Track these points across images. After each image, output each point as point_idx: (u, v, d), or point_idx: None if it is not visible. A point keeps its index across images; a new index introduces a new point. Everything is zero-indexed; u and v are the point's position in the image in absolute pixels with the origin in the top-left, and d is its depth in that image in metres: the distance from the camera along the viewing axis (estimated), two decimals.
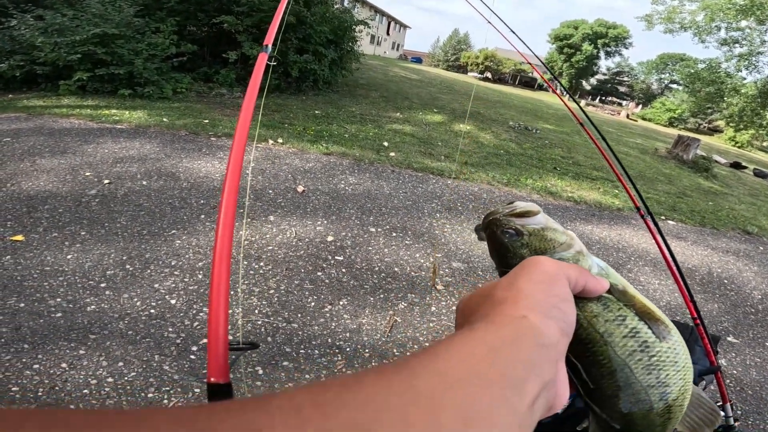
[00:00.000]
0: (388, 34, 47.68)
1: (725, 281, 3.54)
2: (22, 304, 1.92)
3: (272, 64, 1.11)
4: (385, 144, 5.39)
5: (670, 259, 1.57)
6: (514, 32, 2.15)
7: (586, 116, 1.88)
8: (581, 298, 0.32)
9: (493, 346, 0.23)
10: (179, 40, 7.15)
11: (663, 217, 4.80)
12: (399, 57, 47.69)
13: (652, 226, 1.58)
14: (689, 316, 1.55)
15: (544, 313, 0.27)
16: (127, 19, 6.35)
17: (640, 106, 44.95)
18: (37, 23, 5.95)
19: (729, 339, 2.73)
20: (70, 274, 2.15)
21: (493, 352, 0.23)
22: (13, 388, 1.53)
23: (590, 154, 7.45)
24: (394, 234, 3.13)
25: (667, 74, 44.22)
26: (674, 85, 42.82)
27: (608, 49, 46.94)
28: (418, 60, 49.93)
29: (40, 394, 1.52)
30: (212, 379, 0.56)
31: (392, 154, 5.01)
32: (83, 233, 2.53)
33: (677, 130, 26.42)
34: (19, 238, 2.38)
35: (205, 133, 4.66)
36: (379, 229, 3.16)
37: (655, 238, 1.60)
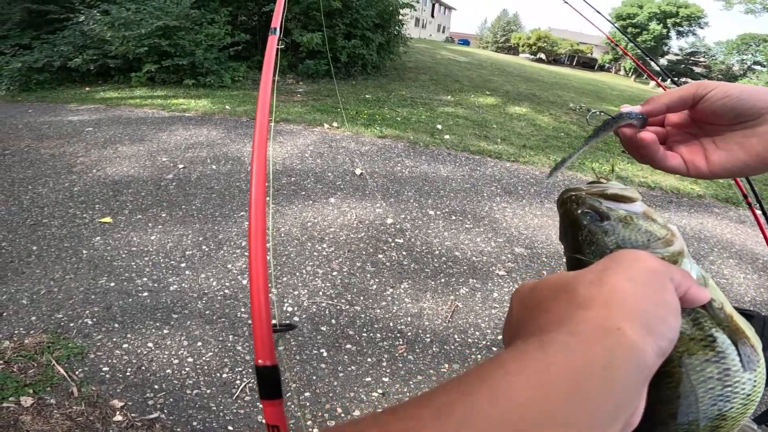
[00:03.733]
0: (432, 16, 46.25)
1: None
2: (113, 284, 2.06)
3: (281, 47, 1.10)
4: (439, 127, 5.24)
5: None
6: (591, 6, 1.95)
7: None
8: None
9: (579, 374, 0.18)
10: (233, 29, 7.34)
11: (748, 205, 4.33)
12: (445, 39, 46.17)
13: (760, 216, 1.39)
14: None
15: (646, 327, 0.21)
16: (185, 11, 6.57)
17: None
18: (104, 18, 6.26)
19: None
20: (154, 254, 2.28)
21: (579, 383, 0.17)
22: (104, 368, 1.62)
23: None
24: (454, 217, 3.04)
25: (750, 55, 39.98)
26: (758, 67, 38.59)
27: (680, 29, 42.77)
28: (465, 42, 48.13)
29: (128, 374, 1.60)
30: (260, 362, 0.58)
31: (447, 136, 4.86)
32: (164, 215, 2.67)
33: None
34: (108, 220, 2.55)
35: None
36: (438, 212, 3.09)
37: (762, 231, 1.41)
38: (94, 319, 1.84)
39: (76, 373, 1.59)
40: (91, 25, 6.22)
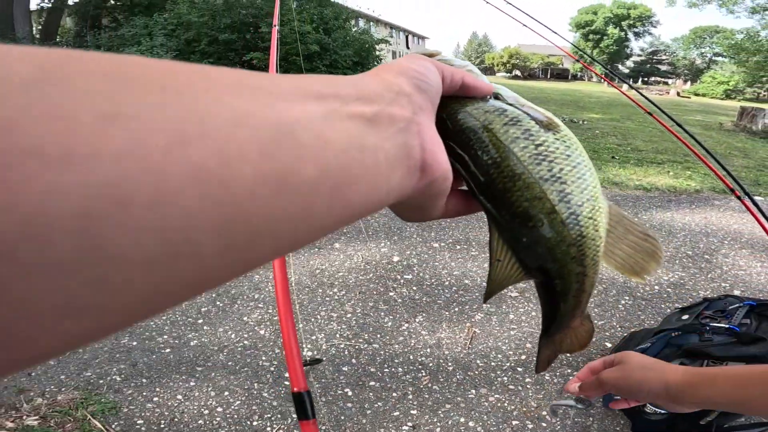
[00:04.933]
0: (407, 47, 48.27)
1: None
2: (135, 343, 2.18)
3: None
4: None
5: None
6: (542, 23, 2.20)
7: (656, 106, 1.89)
8: (463, 98, 0.29)
9: (319, 79, 0.19)
10: None
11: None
12: None
13: (752, 207, 1.53)
14: None
15: (397, 71, 0.24)
16: None
17: (689, 82, 42.79)
18: None
19: None
20: (171, 313, 2.41)
21: (317, 79, 0.19)
22: (139, 421, 1.72)
23: (649, 138, 7.15)
24: (458, 247, 3.19)
25: (707, 47, 42.21)
26: (719, 58, 40.76)
27: (636, 30, 45.49)
28: None
29: (162, 426, 1.71)
30: (295, 389, 0.75)
31: None
32: None
33: (736, 102, 25.10)
34: None
35: None
36: (442, 244, 3.24)
37: (759, 222, 1.55)
38: (122, 376, 1.96)
39: (113, 426, 1.69)
40: None
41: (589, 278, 0.30)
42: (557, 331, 0.35)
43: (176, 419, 1.74)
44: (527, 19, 2.15)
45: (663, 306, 2.51)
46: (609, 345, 2.15)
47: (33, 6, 10.40)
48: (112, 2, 10.77)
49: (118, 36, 8.87)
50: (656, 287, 2.70)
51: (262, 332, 2.28)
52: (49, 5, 10.74)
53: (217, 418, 1.75)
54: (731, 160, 6.16)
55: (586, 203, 0.28)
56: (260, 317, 2.39)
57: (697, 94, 33.53)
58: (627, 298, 2.58)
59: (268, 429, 1.72)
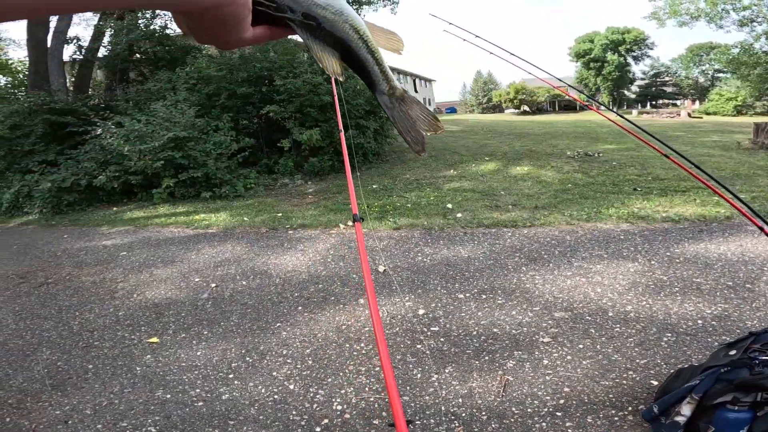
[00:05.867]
0: (416, 91, 49.46)
1: None
2: (168, 396, 2.28)
3: (361, 221, 1.48)
4: (449, 206, 5.57)
5: None
6: (533, 64, 2.36)
7: (668, 145, 1.97)
8: None
9: None
10: (237, 135, 7.93)
11: None
12: (434, 111, 48.52)
13: None
14: None
15: None
16: (191, 121, 7.13)
17: (697, 101, 42.71)
18: (119, 131, 6.83)
19: None
20: (202, 368, 2.49)
21: None
22: None
23: (668, 165, 7.06)
24: (484, 296, 3.20)
25: (707, 65, 42.44)
26: (721, 74, 40.75)
27: (633, 54, 46.07)
28: (452, 110, 51.09)
29: None
30: None
31: (459, 215, 5.16)
32: (206, 332, 2.92)
33: (748, 117, 24.78)
34: (155, 340, 2.81)
35: (282, 227, 5.17)
36: (467, 294, 3.25)
37: None
38: (157, 427, 2.04)
39: None
40: (109, 138, 6.80)
41: (371, 44, 0.44)
42: (379, 84, 0.47)
43: None
44: (528, 65, 2.32)
45: (709, 340, 2.44)
46: (655, 383, 2.09)
47: (65, 57, 11.23)
48: (138, 56, 11.46)
49: (145, 90, 9.47)
50: (699, 321, 2.64)
51: (291, 387, 2.31)
52: (81, 57, 11.54)
53: None
54: (756, 181, 6.00)
55: (343, 8, 0.42)
56: (289, 372, 2.43)
57: (708, 113, 33.31)
58: (669, 334, 2.52)
59: None
